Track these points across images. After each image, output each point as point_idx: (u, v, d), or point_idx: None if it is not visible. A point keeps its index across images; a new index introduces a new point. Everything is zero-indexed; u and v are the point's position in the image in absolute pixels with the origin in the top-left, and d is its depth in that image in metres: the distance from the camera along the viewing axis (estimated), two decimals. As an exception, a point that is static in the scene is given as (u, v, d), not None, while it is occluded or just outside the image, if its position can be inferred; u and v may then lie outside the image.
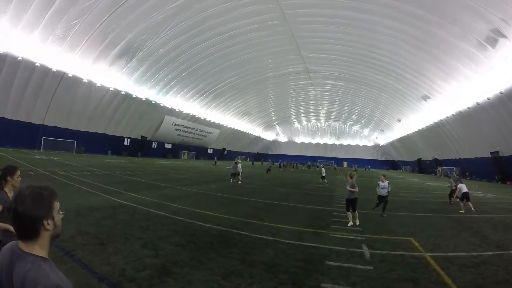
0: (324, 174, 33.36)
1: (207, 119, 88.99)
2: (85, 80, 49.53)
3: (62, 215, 1.89)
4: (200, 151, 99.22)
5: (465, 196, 17.46)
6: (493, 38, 37.92)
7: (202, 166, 53.82)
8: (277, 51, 62.80)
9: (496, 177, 55.05)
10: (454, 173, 21.79)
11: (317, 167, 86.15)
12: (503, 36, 36.52)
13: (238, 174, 27.43)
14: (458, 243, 10.03)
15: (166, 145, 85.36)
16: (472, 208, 17.19)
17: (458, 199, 17.77)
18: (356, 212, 11.77)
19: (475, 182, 54.09)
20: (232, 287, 5.60)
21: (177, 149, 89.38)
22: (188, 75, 64.31)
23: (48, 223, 1.74)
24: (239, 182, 26.50)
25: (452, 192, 19.64)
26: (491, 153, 56.62)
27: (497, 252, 9.15)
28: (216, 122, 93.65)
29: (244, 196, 18.01)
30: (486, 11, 34.99)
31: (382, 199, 14.18)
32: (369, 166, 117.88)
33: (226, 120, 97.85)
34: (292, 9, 46.01)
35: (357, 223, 11.61)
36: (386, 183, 14.15)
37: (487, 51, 40.42)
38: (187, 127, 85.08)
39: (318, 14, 47.45)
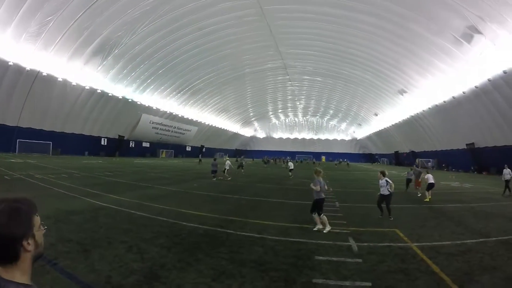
0: (292, 168, 34.93)
1: (185, 117, 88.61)
2: (60, 79, 48.61)
3: (44, 231, 1.58)
4: (178, 149, 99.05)
5: (430, 187, 18.35)
6: (469, 34, 39.01)
7: (181, 164, 53.51)
8: (255, 47, 62.85)
9: (472, 168, 56.34)
10: (414, 165, 22.21)
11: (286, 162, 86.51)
12: (479, 32, 37.57)
13: (225, 171, 28.05)
14: (442, 233, 10.23)
15: (144, 144, 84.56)
16: (428, 198, 17.98)
17: (417, 188, 18.17)
18: (323, 216, 10.13)
19: (452, 173, 55.39)
20: (222, 288, 5.50)
21: (155, 147, 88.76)
22: (165, 72, 63.78)
23: (28, 243, 1.44)
24: (229, 178, 26.74)
25: (408, 182, 20.78)
26: (467, 145, 58.34)
27: (481, 240, 9.45)
28: (194, 120, 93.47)
29: (227, 194, 17.91)
30: (462, 8, 35.93)
31: (383, 199, 12.51)
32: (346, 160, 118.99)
33: (204, 117, 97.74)
34: (270, 4, 46.02)
35: (325, 230, 9.80)
36: (384, 180, 12.51)
37: (462, 46, 41.55)
38: (165, 125, 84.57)
39: (296, 10, 47.65)
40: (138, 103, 68.30)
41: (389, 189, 12.29)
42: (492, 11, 34.19)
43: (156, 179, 24.71)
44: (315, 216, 10.10)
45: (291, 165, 36.65)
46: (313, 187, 10.27)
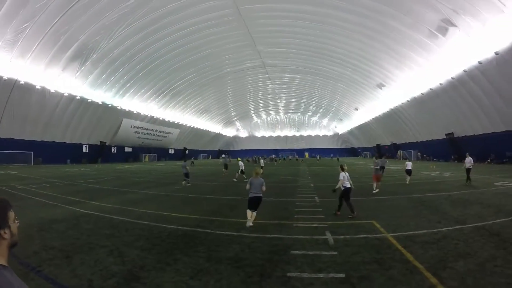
0: (262, 165, 35.57)
1: (166, 119, 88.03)
2: (38, 87, 47.84)
3: (18, 223, 1.93)
4: (161, 153, 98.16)
5: (408, 173, 21.94)
6: (444, 27, 39.83)
7: (164, 167, 53.09)
8: (234, 47, 62.86)
9: (452, 157, 57.30)
10: (374, 158, 22.60)
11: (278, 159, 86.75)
12: (453, 25, 38.33)
13: (242, 172, 28.57)
14: (418, 222, 10.48)
15: (126, 149, 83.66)
16: (407, 182, 21.15)
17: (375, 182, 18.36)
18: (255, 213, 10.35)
19: (433, 162, 56.35)
20: (200, 285, 5.67)
21: (138, 152, 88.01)
22: (145, 75, 63.22)
23: (5, 232, 1.78)
24: (245, 178, 26.19)
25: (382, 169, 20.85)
26: (446, 134, 59.76)
27: (457, 227, 9.69)
28: (176, 122, 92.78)
29: (208, 194, 18.04)
30: (436, 2, 36.58)
31: (346, 193, 11.91)
32: (332, 155, 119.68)
33: (185, 119, 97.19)
34: (247, 4, 46.11)
35: (251, 224, 10.01)
36: (346, 174, 11.98)
37: (438, 39, 42.46)
38: (146, 129, 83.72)
39: (273, 9, 47.88)
40: (118, 107, 67.55)
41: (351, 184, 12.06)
42: (465, 4, 34.88)
43: (138, 184, 24.66)
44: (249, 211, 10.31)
45: (262, 162, 37.76)
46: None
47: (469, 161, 21.97)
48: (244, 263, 6.68)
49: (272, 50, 65.84)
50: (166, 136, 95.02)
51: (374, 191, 17.65)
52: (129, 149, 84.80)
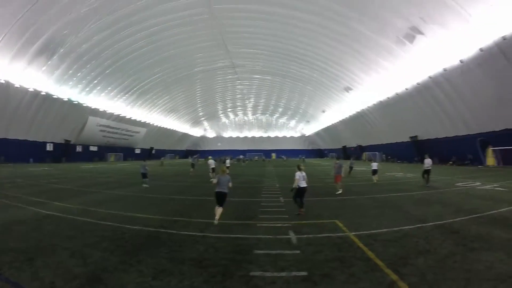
0: (228, 165, 35.31)
1: (133, 118, 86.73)
2: (2, 81, 46.24)
3: None
4: (127, 152, 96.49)
5: (374, 173, 23.28)
6: (411, 34, 41.24)
7: (130, 167, 51.99)
8: (204, 46, 62.48)
9: (415, 159, 58.70)
10: (335, 159, 23.22)
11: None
12: (420, 33, 39.80)
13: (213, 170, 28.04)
14: (381, 221, 10.74)
15: (92, 148, 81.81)
16: (375, 180, 22.92)
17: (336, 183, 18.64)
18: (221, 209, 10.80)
19: (398, 164, 57.50)
20: (162, 285, 5.66)
21: (104, 151, 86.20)
22: (113, 72, 61.99)
23: None
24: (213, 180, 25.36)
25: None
26: (410, 137, 62.00)
27: (418, 225, 10.03)
28: (143, 121, 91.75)
29: (174, 195, 17.87)
30: (405, 10, 38.11)
31: (301, 192, 12.12)
32: (301, 156, 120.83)
33: (152, 118, 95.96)
34: (220, 4, 46.02)
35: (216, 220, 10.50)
36: (302, 174, 12.14)
37: (404, 46, 43.89)
38: (113, 128, 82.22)
39: (246, 10, 47.97)
40: (84, 105, 66.17)
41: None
42: (433, 13, 36.25)
43: (103, 184, 24.16)
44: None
45: (227, 162, 37.89)
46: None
47: (428, 162, 22.02)
48: (207, 263, 6.69)
49: (243, 51, 66.03)
50: (132, 136, 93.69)
51: (338, 192, 17.78)
52: (95, 148, 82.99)
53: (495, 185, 21.25)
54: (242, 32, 56.77)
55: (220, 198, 10.87)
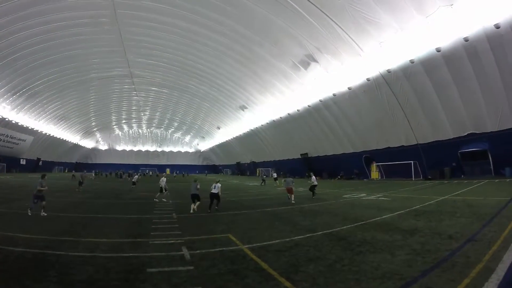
0: (135, 180, 34.63)
1: (20, 124, 76.02)
2: None
3: None
4: (11, 162, 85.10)
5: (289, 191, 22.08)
6: (306, 61, 44.20)
7: (14, 180, 47.47)
8: (103, 51, 59.13)
9: (306, 174, 61.43)
10: (284, 177, 24.76)
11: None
12: (315, 61, 42.85)
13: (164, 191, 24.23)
14: (272, 233, 11.00)
15: (-31, 156, 71.49)
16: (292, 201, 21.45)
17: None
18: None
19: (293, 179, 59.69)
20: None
21: None
22: (1, 68, 54.11)
23: None
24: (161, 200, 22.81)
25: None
26: (301, 154, 65.73)
27: (308, 235, 10.46)
28: (30, 128, 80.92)
29: (60, 212, 16.42)
30: (303, 39, 40.50)
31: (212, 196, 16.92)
32: (197, 171, 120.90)
33: (41, 126, 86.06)
34: (125, 9, 44.08)
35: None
36: (217, 185, 17.08)
37: (300, 71, 46.85)
38: None
39: (151, 19, 46.62)
40: None
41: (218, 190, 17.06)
42: (329, 44, 39.14)
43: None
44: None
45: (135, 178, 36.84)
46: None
47: (313, 179, 25.20)
48: (98, 285, 6.32)
49: (142, 61, 64.19)
50: (18, 143, 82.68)
51: (292, 201, 20.38)
52: None
53: (378, 196, 23.34)
54: (143, 41, 55.16)
55: (194, 198, 16.94)
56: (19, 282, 6.42)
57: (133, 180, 34.65)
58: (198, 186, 17.44)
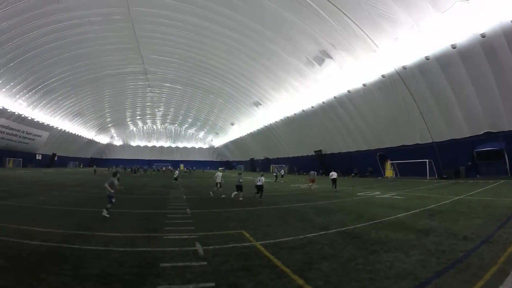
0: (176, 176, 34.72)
1: (36, 120, 77.81)
2: None
3: None
4: (27, 158, 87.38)
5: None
6: (321, 58, 44.01)
7: (29, 175, 47.35)
8: (117, 48, 60.05)
9: (320, 171, 61.32)
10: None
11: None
12: (329, 57, 42.70)
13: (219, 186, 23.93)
14: (286, 230, 10.91)
15: (-13, 152, 72.23)
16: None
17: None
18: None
19: (303, 176, 59.46)
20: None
21: (1, 155, 77.57)
22: (16, 66, 55.21)
23: None
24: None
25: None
26: (315, 151, 65.21)
27: (321, 233, 10.35)
28: (45, 124, 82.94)
29: (75, 207, 16.46)
30: (318, 36, 40.50)
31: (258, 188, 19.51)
32: (208, 167, 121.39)
33: (56, 122, 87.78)
34: (139, 6, 44.57)
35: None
36: (261, 178, 19.84)
37: (314, 67, 46.57)
38: (12, 129, 73.69)
39: (164, 16, 47.10)
40: None
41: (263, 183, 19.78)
42: (343, 40, 39.05)
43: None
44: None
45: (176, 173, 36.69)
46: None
47: (333, 174, 27.29)
48: (112, 279, 6.30)
49: (156, 58, 64.90)
50: (34, 139, 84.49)
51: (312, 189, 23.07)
52: None
53: (393, 194, 23.13)
54: (157, 38, 55.67)
55: (238, 188, 20.39)
56: (34, 275, 6.47)
57: (174, 176, 34.90)
58: (241, 180, 20.80)
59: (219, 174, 24.60)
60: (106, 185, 13.69)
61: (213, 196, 22.10)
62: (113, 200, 13.73)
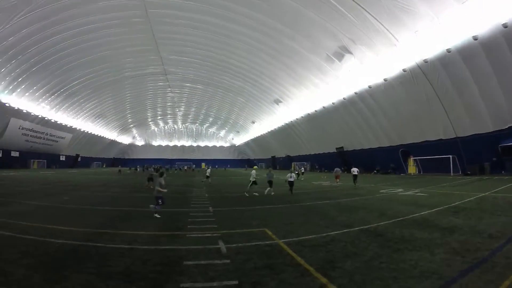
0: (208, 174, 35.62)
1: (59, 122, 79.99)
2: None
3: None
4: (51, 159, 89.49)
5: (290, 184, 23.22)
6: (340, 53, 43.65)
7: (54, 176, 48.55)
8: (137, 50, 60.86)
9: (342, 168, 60.96)
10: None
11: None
12: (349, 52, 42.32)
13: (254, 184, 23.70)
14: (308, 228, 10.89)
15: (13, 153, 74.39)
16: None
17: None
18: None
19: (325, 173, 59.38)
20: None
21: (26, 157, 79.20)
22: (39, 71, 56.75)
23: None
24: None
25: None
26: (336, 148, 64.93)
27: (344, 230, 10.33)
28: (68, 126, 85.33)
29: (99, 206, 16.82)
30: (337, 31, 40.19)
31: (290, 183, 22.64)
32: (229, 165, 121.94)
33: (79, 123, 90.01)
34: (156, 8, 45.15)
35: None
36: (292, 174, 23.13)
37: (334, 63, 46.21)
38: (36, 132, 75.56)
39: (182, 17, 47.52)
40: (7, 105, 59.88)
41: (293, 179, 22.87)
42: (362, 35, 38.67)
43: (22, 194, 22.29)
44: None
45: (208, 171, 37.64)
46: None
47: (354, 170, 29.75)
48: (135, 277, 6.40)
49: (176, 58, 65.46)
50: (57, 141, 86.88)
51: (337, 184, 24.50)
52: (16, 154, 75.51)
53: (416, 191, 22.85)
54: (176, 39, 56.22)
55: (270, 183, 22.34)
56: (59, 273, 6.62)
57: (206, 174, 35.44)
58: (274, 176, 23.33)
59: (253, 172, 24.38)
60: (157, 187, 13.62)
61: (248, 195, 21.77)
62: (160, 201, 13.45)
